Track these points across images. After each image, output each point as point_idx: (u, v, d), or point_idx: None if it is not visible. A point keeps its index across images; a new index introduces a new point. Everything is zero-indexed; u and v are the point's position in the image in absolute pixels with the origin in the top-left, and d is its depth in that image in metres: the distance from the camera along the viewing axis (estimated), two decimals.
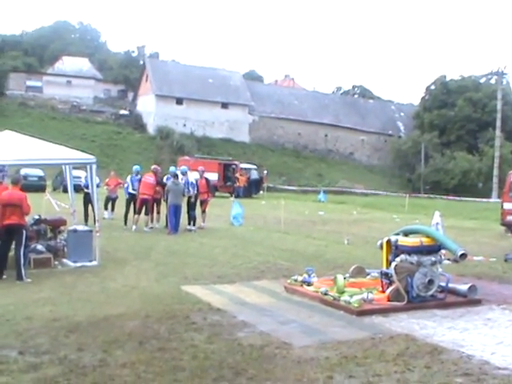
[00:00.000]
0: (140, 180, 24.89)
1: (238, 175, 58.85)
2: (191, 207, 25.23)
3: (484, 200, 59.82)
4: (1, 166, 17.59)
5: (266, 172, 64.63)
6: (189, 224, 25.02)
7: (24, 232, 13.92)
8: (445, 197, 65.73)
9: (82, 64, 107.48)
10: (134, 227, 23.85)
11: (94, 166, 15.99)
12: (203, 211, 25.91)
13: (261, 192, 60.94)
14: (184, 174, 25.74)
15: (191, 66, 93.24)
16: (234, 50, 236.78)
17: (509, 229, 25.81)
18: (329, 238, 23.59)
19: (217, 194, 53.21)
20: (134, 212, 24.68)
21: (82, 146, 40.55)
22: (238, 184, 57.96)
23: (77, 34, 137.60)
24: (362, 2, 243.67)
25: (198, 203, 25.63)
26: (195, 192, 25.19)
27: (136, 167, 26.48)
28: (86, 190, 23.72)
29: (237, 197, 46.52)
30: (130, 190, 25.49)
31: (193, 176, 26.39)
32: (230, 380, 7.16)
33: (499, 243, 23.48)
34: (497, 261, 18.20)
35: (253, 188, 59.94)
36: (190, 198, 25.19)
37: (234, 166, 60.44)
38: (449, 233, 18.96)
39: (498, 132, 72.68)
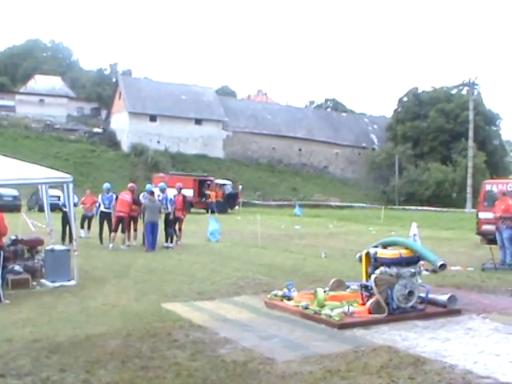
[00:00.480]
0: (117, 198, 24.91)
1: (208, 191, 58.78)
2: (169, 224, 25.18)
3: (459, 210, 60.17)
4: None
5: (241, 187, 64.72)
6: (166, 241, 24.97)
7: (1, 253, 13.80)
8: (420, 208, 66.05)
9: (55, 82, 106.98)
10: (110, 245, 23.76)
11: (71, 185, 15.89)
12: (179, 229, 25.78)
13: (236, 207, 61.01)
14: (163, 190, 25.74)
15: (164, 83, 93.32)
16: (207, 65, 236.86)
17: (485, 238, 25.93)
18: (306, 252, 23.62)
19: (192, 210, 53.12)
20: (110, 230, 24.65)
21: (56, 165, 40.48)
22: (210, 200, 57.92)
23: (49, 52, 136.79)
24: (331, 17, 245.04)
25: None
26: (173, 209, 25.17)
27: (106, 185, 26.46)
28: (64, 209, 23.59)
29: (212, 212, 46.35)
30: (102, 209, 25.51)
31: (171, 193, 26.32)
32: None
33: (476, 253, 23.61)
34: (474, 270, 18.35)
35: (228, 203, 60.02)
36: (167, 214, 25.17)
37: (209, 182, 60.40)
38: (426, 243, 19.03)
39: (470, 142, 73.31)
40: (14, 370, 8.13)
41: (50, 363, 8.48)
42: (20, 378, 7.81)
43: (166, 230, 25.16)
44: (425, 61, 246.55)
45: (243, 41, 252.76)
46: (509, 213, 19.59)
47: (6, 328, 10.59)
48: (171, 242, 25.07)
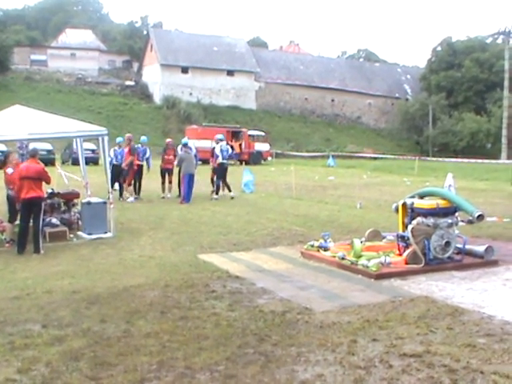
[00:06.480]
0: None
1: (232, 143, 58.65)
2: (219, 176, 25.24)
3: (493, 161, 59.43)
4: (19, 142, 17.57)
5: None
6: (216, 193, 25.13)
7: (42, 205, 14.06)
8: (454, 159, 65.47)
9: (86, 36, 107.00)
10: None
11: (106, 138, 15.92)
12: (170, 182, 25.62)
13: (269, 158, 61.07)
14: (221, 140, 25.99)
15: (195, 35, 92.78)
16: (238, 16, 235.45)
17: None
18: (341, 203, 23.60)
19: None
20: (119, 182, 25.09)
21: (89, 118, 40.45)
22: (234, 151, 57.91)
23: (79, 5, 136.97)
24: None
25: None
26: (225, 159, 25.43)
27: (143, 137, 26.56)
28: (113, 163, 23.72)
29: (241, 163, 45.84)
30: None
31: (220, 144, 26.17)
32: (254, 346, 7.15)
33: (511, 203, 23.42)
34: (510, 221, 18.22)
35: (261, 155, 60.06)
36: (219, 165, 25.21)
37: (241, 133, 60.27)
38: (461, 194, 18.87)
39: (505, 92, 72.27)
40: (56, 321, 8.24)
41: (90, 314, 8.58)
42: (61, 329, 7.90)
43: (216, 181, 25.29)
44: (458, 9, 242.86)
45: None
46: None
47: (45, 280, 10.75)
48: (217, 193, 25.08)
